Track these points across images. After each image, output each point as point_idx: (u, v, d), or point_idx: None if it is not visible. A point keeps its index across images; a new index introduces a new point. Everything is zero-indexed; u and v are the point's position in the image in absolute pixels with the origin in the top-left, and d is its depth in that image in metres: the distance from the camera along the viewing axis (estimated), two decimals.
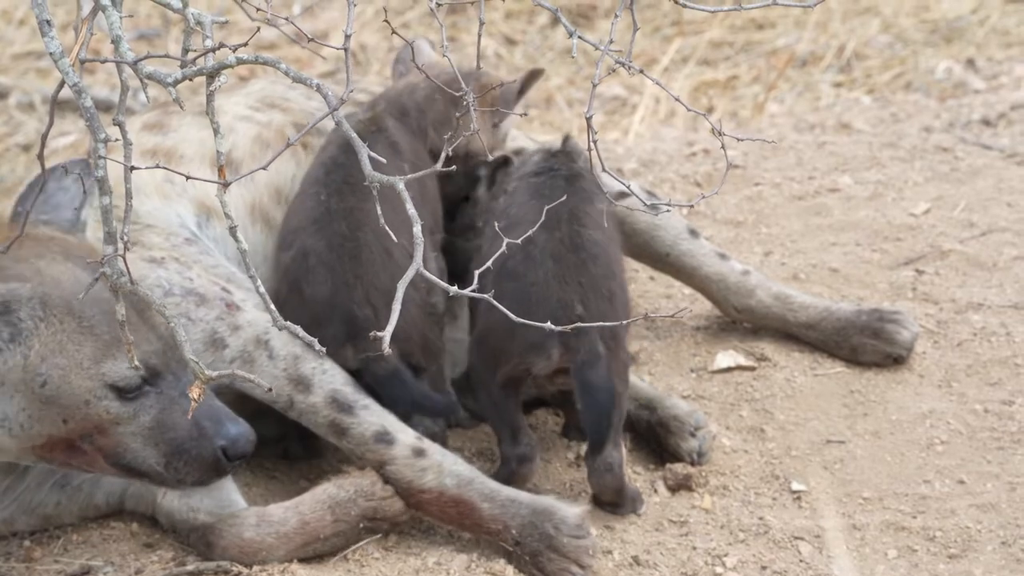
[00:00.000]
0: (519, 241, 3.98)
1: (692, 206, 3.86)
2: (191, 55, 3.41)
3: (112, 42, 3.44)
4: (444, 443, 4.76)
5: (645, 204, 3.81)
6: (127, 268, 3.48)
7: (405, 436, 4.60)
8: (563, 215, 4.78)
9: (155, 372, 4.15)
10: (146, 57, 3.39)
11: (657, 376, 5.29)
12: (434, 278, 3.45)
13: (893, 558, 4.66)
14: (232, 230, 3.41)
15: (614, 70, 3.69)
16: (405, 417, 4.68)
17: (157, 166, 3.53)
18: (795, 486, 4.92)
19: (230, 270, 4.77)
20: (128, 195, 3.49)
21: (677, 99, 3.72)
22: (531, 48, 8.82)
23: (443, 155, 3.43)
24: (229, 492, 4.63)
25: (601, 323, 4.54)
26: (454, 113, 3.73)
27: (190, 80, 3.40)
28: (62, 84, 3.50)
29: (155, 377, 4.15)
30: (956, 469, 4.95)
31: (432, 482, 4.58)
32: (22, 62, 8.52)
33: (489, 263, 3.65)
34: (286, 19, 3.49)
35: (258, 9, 3.41)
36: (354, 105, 5.25)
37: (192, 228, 4.86)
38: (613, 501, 4.77)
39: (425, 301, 4.86)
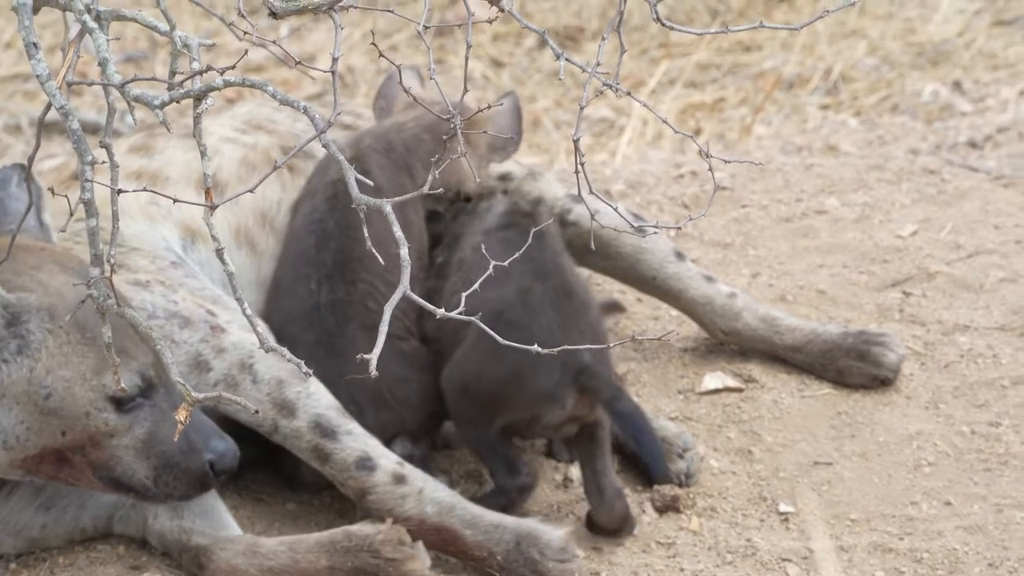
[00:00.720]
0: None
1: (679, 228, 3.85)
2: (178, 77, 3.41)
3: (99, 64, 3.43)
4: (426, 465, 4.73)
5: (632, 226, 3.80)
6: (114, 290, 3.48)
7: (386, 462, 4.55)
8: (549, 266, 4.76)
9: (151, 384, 4.15)
10: (133, 79, 3.39)
11: (645, 397, 5.28)
12: (421, 300, 3.45)
13: None
14: (219, 252, 3.40)
15: (601, 92, 3.69)
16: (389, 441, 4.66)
17: (144, 189, 3.53)
18: (783, 508, 4.91)
19: (216, 292, 4.76)
20: (115, 217, 3.48)
21: (665, 121, 3.71)
22: (518, 70, 8.83)
23: (428, 181, 3.43)
24: (221, 513, 4.61)
25: (577, 346, 4.32)
26: (443, 152, 3.71)
27: (177, 102, 3.40)
28: (49, 106, 3.50)
29: (150, 389, 4.16)
30: (943, 491, 4.95)
31: (413, 510, 4.53)
32: (9, 84, 8.52)
33: (476, 286, 3.63)
34: (273, 41, 3.48)
35: (245, 32, 3.41)
36: (341, 128, 5.24)
37: (177, 251, 4.84)
38: (620, 528, 4.72)
39: None
